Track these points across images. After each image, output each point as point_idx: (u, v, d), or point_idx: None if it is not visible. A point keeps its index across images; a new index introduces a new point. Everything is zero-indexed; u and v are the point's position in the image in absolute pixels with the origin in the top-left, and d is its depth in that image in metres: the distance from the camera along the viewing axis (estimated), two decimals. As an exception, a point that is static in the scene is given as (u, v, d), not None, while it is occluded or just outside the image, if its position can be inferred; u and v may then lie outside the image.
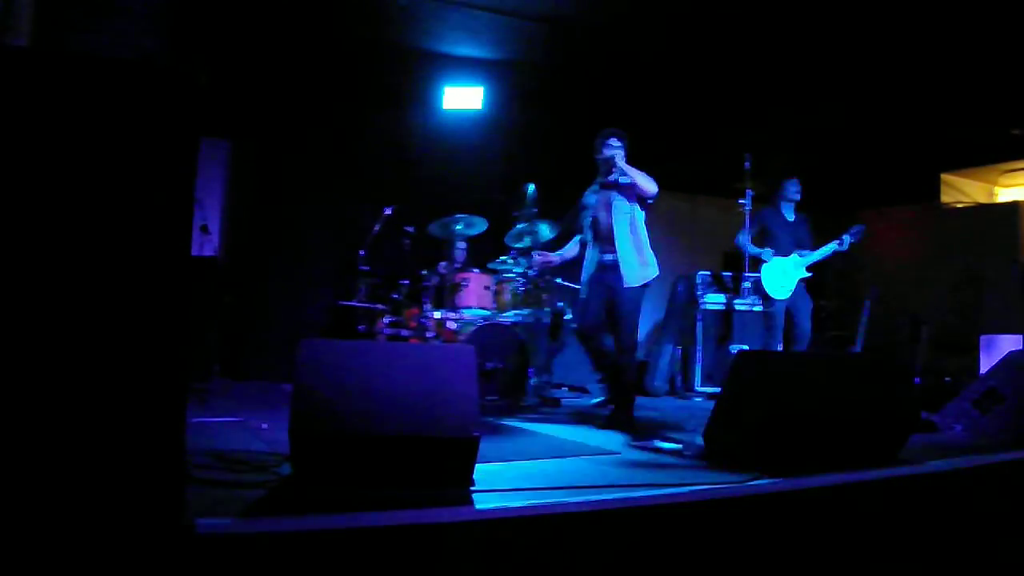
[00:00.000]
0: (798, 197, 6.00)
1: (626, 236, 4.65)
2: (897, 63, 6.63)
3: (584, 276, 4.81)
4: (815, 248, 5.88)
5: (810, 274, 5.82)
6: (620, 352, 4.66)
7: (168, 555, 1.87)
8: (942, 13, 5.73)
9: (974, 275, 7.02)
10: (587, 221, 4.83)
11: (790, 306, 5.81)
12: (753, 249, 5.99)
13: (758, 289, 6.08)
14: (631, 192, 4.69)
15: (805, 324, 5.77)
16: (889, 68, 6.74)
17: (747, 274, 6.71)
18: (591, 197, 4.86)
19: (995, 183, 8.51)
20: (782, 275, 5.82)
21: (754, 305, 6.71)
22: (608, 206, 4.71)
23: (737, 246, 6.17)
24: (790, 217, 5.99)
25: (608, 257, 4.66)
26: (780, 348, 5.76)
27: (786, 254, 5.85)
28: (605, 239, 4.69)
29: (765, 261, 5.86)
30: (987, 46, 6.19)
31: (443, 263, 6.09)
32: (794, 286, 5.80)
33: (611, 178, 4.74)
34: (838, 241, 5.77)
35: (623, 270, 4.60)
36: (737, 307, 6.76)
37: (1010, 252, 7.29)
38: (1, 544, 1.74)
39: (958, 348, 6.90)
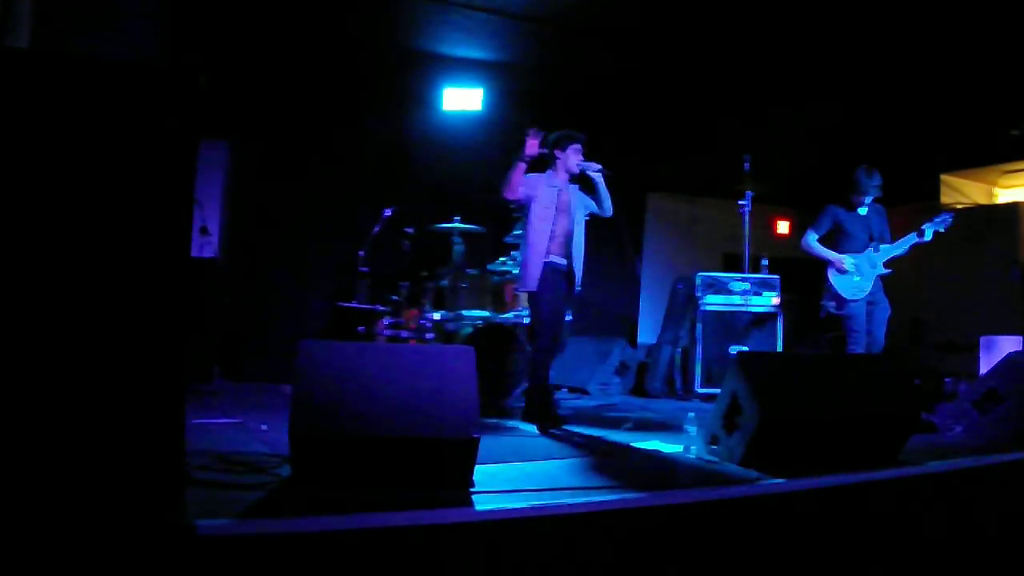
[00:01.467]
0: (869, 191, 5.32)
1: (582, 246, 4.70)
2: (897, 63, 6.64)
3: (536, 276, 4.54)
4: (892, 241, 5.32)
5: (888, 271, 5.30)
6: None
7: (168, 556, 1.87)
8: (942, 13, 5.74)
9: None
10: (549, 216, 4.60)
11: (868, 308, 5.29)
12: (824, 252, 5.37)
13: (828, 290, 5.42)
14: (585, 202, 4.75)
15: (879, 331, 5.27)
16: (889, 68, 6.74)
17: (749, 275, 6.71)
18: (548, 192, 4.63)
19: (995, 184, 8.50)
20: (856, 273, 5.29)
21: (752, 307, 6.70)
22: (568, 211, 4.66)
23: (803, 249, 5.52)
24: (863, 211, 5.39)
25: (560, 262, 4.61)
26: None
27: (860, 250, 5.31)
28: (560, 243, 4.62)
29: (846, 271, 5.26)
30: (987, 46, 6.20)
31: (444, 269, 6.07)
32: (871, 285, 5.26)
33: (596, 183, 4.68)
34: (917, 232, 5.21)
35: (576, 277, 4.66)
36: (739, 308, 6.74)
37: (1010, 252, 7.29)
38: (2, 545, 1.74)
39: (958, 348, 6.90)
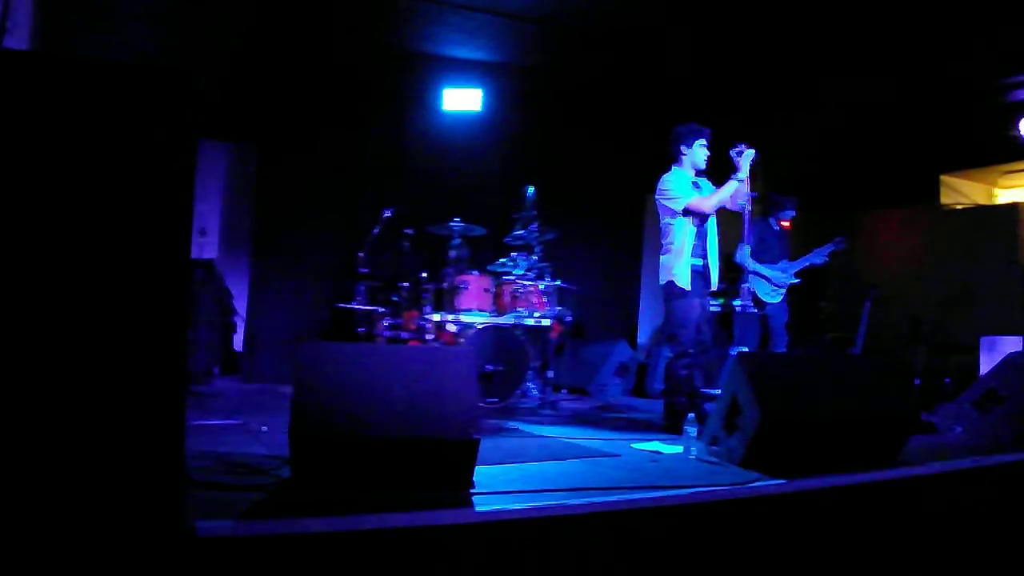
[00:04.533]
0: (792, 215, 6.22)
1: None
2: (897, 63, 6.64)
3: (691, 284, 4.55)
4: (791, 255, 6.12)
5: (798, 280, 6.01)
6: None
7: (168, 557, 1.87)
8: (942, 13, 5.74)
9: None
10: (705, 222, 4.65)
11: (779, 310, 6.01)
12: (761, 269, 5.96)
13: (748, 293, 6.09)
14: None
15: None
16: (889, 68, 6.75)
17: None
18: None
19: (994, 184, 8.50)
20: (773, 281, 6.01)
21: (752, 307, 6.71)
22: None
23: (738, 264, 5.80)
24: (776, 228, 6.22)
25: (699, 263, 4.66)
26: (782, 350, 5.90)
27: (774, 262, 6.01)
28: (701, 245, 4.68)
29: (781, 287, 5.98)
30: (987, 46, 6.20)
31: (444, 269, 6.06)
32: (784, 291, 6.00)
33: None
34: (822, 249, 6.03)
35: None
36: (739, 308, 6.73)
37: (1009, 253, 7.29)
38: (4, 546, 1.74)
39: (958, 348, 6.90)
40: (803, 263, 6.04)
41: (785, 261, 6.07)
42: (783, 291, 6.01)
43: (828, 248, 6.05)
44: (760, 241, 6.02)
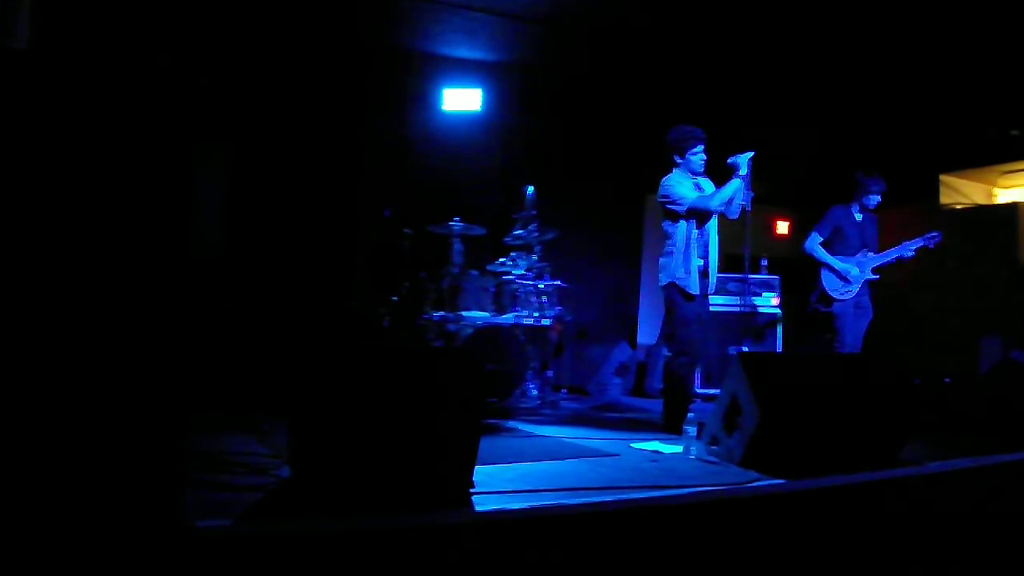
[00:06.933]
0: (877, 201, 5.53)
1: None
2: (896, 63, 6.64)
3: (695, 282, 4.53)
4: (880, 249, 5.53)
5: (876, 276, 5.48)
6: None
7: (168, 556, 1.87)
8: (941, 13, 5.74)
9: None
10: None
11: (854, 310, 5.47)
12: (830, 259, 5.46)
13: (817, 287, 5.58)
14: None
15: (860, 332, 5.48)
16: (888, 68, 6.75)
17: (750, 275, 6.69)
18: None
19: (994, 184, 8.50)
20: (843, 275, 5.47)
21: (752, 307, 6.69)
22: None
23: (806, 253, 5.60)
24: (858, 216, 5.57)
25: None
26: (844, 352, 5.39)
27: (852, 255, 5.48)
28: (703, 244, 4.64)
29: (851, 282, 5.41)
30: (986, 46, 6.20)
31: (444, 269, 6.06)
32: (858, 288, 5.45)
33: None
34: (911, 242, 5.46)
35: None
36: (739, 308, 6.73)
37: (1009, 253, 7.30)
38: (3, 545, 1.74)
39: (958, 348, 6.91)
40: (886, 257, 5.44)
41: (866, 253, 5.47)
42: (855, 288, 5.42)
43: (918, 243, 5.42)
44: (836, 230, 5.51)
